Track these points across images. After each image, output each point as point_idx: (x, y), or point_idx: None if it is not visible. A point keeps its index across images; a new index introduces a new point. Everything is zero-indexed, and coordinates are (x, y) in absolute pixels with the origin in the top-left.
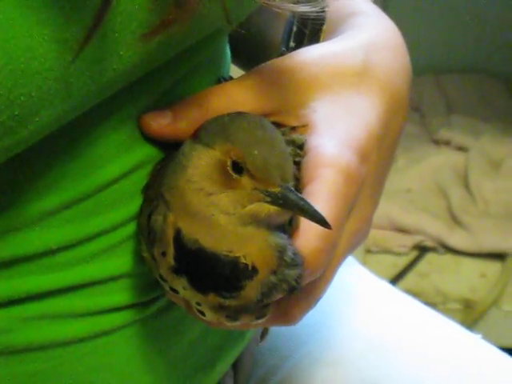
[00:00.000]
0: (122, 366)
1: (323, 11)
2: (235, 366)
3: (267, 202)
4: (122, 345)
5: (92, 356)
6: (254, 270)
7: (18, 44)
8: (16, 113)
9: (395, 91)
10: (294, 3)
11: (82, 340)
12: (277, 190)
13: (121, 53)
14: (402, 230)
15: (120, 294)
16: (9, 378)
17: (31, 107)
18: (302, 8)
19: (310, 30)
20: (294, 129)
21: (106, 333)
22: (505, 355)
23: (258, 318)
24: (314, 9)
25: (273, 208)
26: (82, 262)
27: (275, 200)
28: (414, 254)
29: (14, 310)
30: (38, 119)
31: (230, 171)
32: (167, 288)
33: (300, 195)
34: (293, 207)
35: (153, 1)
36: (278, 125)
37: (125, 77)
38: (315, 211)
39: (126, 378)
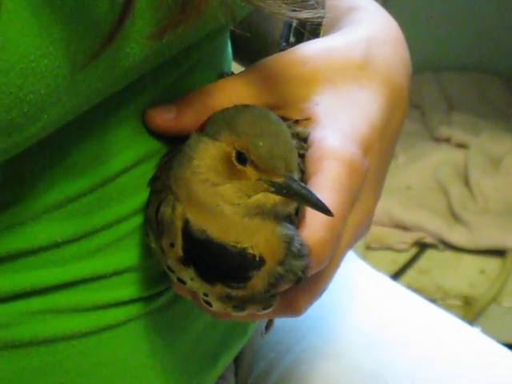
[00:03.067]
0: (126, 361)
1: (323, 17)
2: (237, 360)
3: (271, 192)
4: (127, 339)
5: (97, 350)
6: (262, 261)
7: (28, 42)
8: (25, 110)
9: (396, 84)
10: (294, 10)
11: (86, 334)
12: (281, 180)
13: (128, 50)
14: (402, 227)
15: (125, 288)
16: (14, 371)
17: (40, 104)
18: (303, 14)
19: (310, 25)
20: (296, 122)
21: (110, 327)
22: (504, 348)
23: (264, 308)
24: (314, 15)
25: (278, 198)
26: (87, 255)
27: (279, 190)
28: (414, 250)
29: (19, 304)
30: (46, 116)
31: (235, 162)
32: (174, 279)
33: (303, 185)
34: (296, 196)
35: (160, 0)
36: (281, 118)
37: (131, 74)
38: (318, 200)
39: (131, 372)
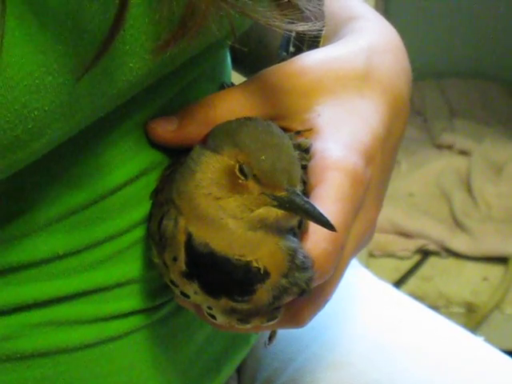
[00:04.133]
0: (128, 372)
1: (320, 30)
2: (239, 370)
3: (274, 206)
4: (129, 351)
5: (98, 362)
6: (266, 274)
7: (33, 59)
8: (30, 126)
9: (397, 93)
10: (291, 22)
11: (88, 346)
12: (283, 194)
13: (131, 65)
14: (405, 234)
15: (127, 300)
16: (16, 383)
17: (44, 121)
18: (299, 27)
19: (309, 36)
20: (298, 133)
21: (112, 339)
22: (507, 357)
23: (269, 320)
24: (311, 28)
25: (280, 212)
26: (89, 268)
27: (282, 204)
28: (417, 257)
29: (20, 317)
30: (50, 132)
31: (238, 175)
32: (178, 293)
33: (306, 199)
34: (299, 211)
35: (161, 15)
36: (282, 129)
37: (134, 87)
38: (320, 214)
39: (133, 383)
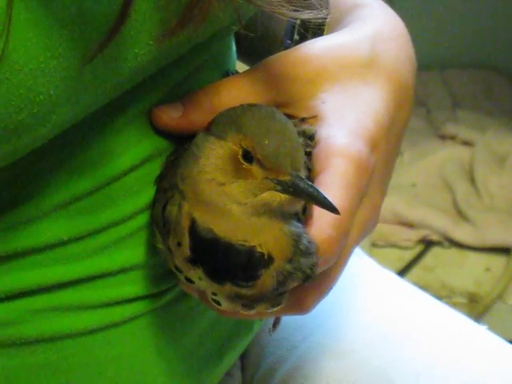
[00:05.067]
0: (132, 358)
1: (325, 18)
2: (243, 358)
3: (278, 191)
4: (133, 336)
5: (102, 348)
6: (270, 259)
7: (37, 43)
8: (35, 111)
9: (402, 81)
10: (296, 10)
11: (92, 332)
12: (287, 178)
13: (136, 51)
14: (408, 225)
15: (130, 286)
16: (20, 368)
17: (49, 105)
18: (304, 15)
19: (314, 24)
20: (303, 120)
21: (116, 324)
22: (510, 345)
23: (273, 306)
24: (316, 15)
25: (284, 196)
26: (93, 253)
27: (286, 188)
28: (420, 248)
29: (24, 302)
30: (55, 117)
31: (242, 161)
32: (182, 278)
33: (310, 183)
34: (303, 195)
35: (167, 1)
36: (287, 116)
37: (138, 74)
38: (324, 198)
39: (136, 369)
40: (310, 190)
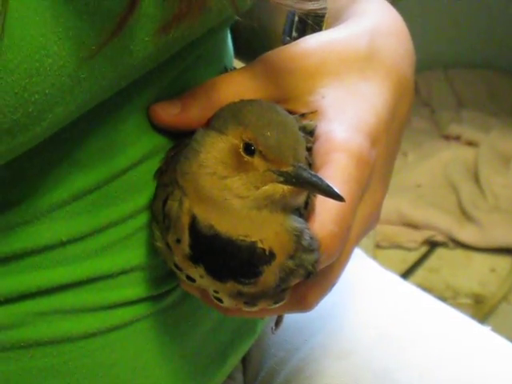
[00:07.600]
0: (133, 361)
1: (326, 9)
2: (245, 360)
3: (280, 182)
4: (134, 339)
5: (103, 351)
6: (272, 255)
7: (32, 42)
8: (30, 110)
9: (401, 75)
10: (300, 1)
11: (93, 335)
12: (289, 169)
13: (132, 47)
14: (412, 225)
15: (131, 288)
16: (20, 372)
17: (45, 104)
18: (309, 6)
19: (313, 18)
20: (303, 115)
21: (117, 327)
22: None
23: (275, 302)
24: (319, 7)
25: (287, 188)
26: (93, 255)
27: (288, 179)
28: (424, 249)
29: (24, 305)
30: (51, 116)
31: (243, 154)
32: (183, 277)
33: (313, 172)
34: (306, 184)
35: None
36: (287, 112)
37: (135, 71)
38: (328, 186)
39: (138, 372)
40: (314, 179)
